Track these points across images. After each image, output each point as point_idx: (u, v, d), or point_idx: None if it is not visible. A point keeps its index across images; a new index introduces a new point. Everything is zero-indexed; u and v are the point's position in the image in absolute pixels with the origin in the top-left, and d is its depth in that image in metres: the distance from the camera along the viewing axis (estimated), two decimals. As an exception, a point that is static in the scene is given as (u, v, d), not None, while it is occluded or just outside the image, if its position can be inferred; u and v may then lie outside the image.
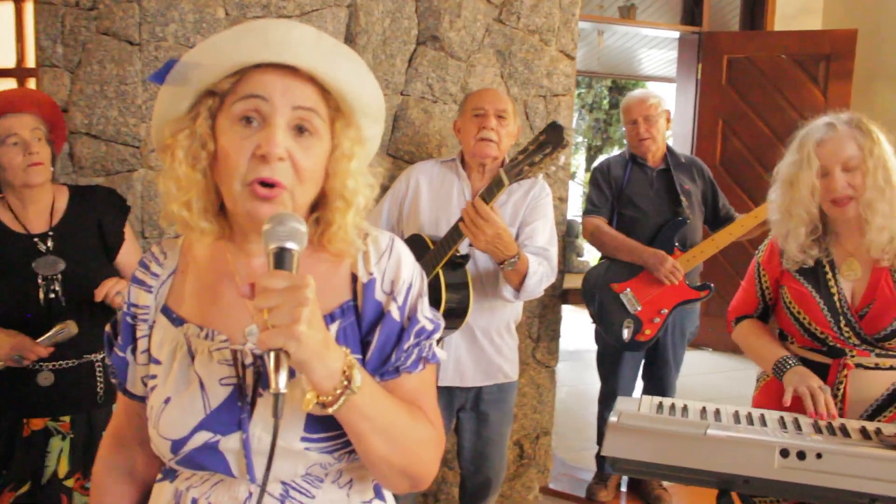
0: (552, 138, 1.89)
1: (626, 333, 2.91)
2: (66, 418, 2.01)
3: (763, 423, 1.70)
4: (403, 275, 1.01)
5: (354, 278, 1.01)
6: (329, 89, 0.95)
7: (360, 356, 0.98)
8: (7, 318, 1.93)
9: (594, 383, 4.96)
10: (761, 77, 5.06)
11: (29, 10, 2.88)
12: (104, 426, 2.06)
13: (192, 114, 0.95)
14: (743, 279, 2.11)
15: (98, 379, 2.06)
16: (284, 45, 0.89)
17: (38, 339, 1.90)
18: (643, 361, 3.16)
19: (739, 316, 2.09)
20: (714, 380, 5.04)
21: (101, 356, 2.06)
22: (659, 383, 3.11)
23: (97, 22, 2.51)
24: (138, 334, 1.05)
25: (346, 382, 0.85)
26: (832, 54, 4.84)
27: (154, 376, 1.01)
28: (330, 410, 0.86)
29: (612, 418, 1.60)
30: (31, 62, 2.92)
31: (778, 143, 5.03)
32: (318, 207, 1.00)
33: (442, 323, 1.05)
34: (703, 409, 1.77)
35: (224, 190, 0.94)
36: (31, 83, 2.90)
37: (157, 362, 1.01)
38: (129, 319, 1.07)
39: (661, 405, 1.79)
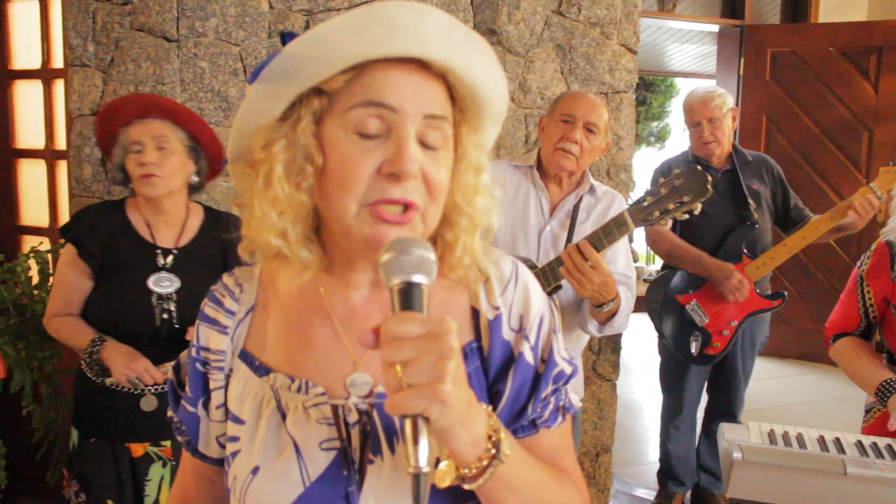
0: (692, 185, 1.62)
1: (693, 347, 2.78)
2: (167, 443, 1.90)
3: (894, 455, 1.52)
4: (534, 308, 0.84)
5: (475, 313, 0.83)
6: (460, 89, 0.77)
7: None
8: (121, 328, 1.82)
9: (640, 392, 4.84)
10: (808, 71, 4.86)
11: (56, 6, 2.71)
12: None
13: (291, 119, 0.76)
14: (842, 291, 1.95)
15: None
16: (419, 34, 0.71)
17: (161, 367, 1.79)
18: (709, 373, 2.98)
19: (838, 333, 1.94)
20: (768, 387, 4.82)
21: None
22: (727, 397, 2.96)
23: (131, 17, 2.35)
24: (212, 385, 0.87)
25: (492, 450, 0.69)
26: (884, 46, 4.64)
27: (235, 438, 0.84)
28: (472, 486, 0.69)
29: (736, 454, 1.44)
30: (58, 62, 2.75)
31: (827, 140, 4.91)
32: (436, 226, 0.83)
33: (578, 365, 0.87)
34: (822, 437, 1.61)
35: (333, 211, 0.75)
36: (59, 84, 2.73)
37: (239, 421, 0.83)
38: (199, 366, 0.88)
39: (772, 433, 1.62)
